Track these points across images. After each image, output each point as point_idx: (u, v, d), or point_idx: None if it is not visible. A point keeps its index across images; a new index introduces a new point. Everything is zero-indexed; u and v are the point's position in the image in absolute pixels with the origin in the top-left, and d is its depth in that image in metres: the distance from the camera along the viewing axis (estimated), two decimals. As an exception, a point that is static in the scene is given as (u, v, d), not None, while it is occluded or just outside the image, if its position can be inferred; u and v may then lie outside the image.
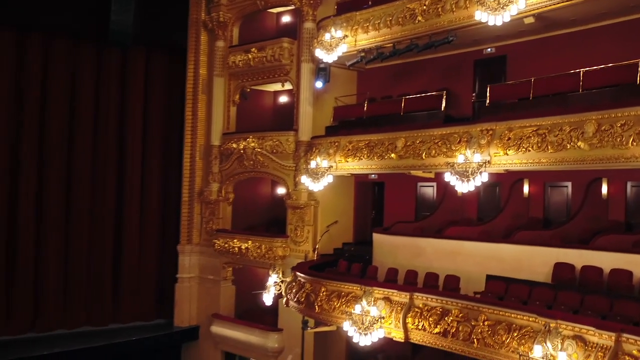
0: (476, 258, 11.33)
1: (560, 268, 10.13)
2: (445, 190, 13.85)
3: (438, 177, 13.80)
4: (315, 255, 15.03)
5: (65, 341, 16.06)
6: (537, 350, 7.69)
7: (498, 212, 12.87)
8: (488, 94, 12.16)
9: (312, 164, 13.72)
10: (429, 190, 14.87)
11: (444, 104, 13.21)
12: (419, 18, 12.43)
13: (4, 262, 16.54)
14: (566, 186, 12.29)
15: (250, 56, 16.86)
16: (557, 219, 12.22)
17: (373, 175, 15.47)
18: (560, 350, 7.52)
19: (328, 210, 15.59)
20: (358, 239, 15.93)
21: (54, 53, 17.21)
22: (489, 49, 13.44)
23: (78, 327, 17.22)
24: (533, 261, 10.53)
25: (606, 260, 9.70)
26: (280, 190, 17.52)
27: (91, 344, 15.88)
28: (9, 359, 14.43)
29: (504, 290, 10.08)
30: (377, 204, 16.16)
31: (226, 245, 16.86)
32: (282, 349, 15.69)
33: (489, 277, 10.55)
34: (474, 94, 13.80)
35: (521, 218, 12.59)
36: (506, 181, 12.95)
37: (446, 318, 9.72)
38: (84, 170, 17.71)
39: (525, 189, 12.73)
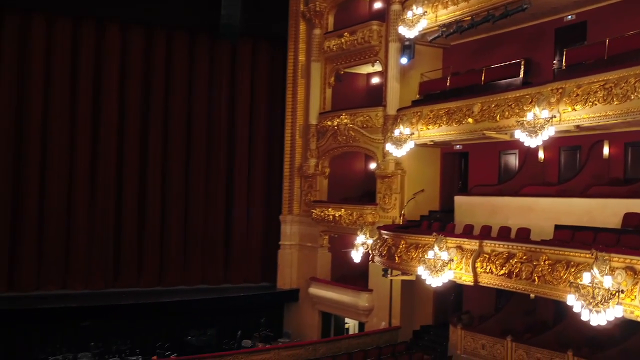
0: (549, 213, 11.86)
1: (630, 217, 10.46)
2: (526, 156, 14.35)
3: (519, 145, 14.27)
4: (402, 220, 16.11)
5: (185, 294, 18.66)
6: (586, 277, 8.32)
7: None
8: (564, 58, 12.57)
9: (396, 132, 14.85)
10: (512, 159, 15.35)
11: (522, 72, 13.78)
12: (495, -12, 13.13)
13: (135, 229, 19.48)
14: (647, 145, 12.36)
15: (343, 40, 18.35)
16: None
17: (458, 146, 16.32)
18: (606, 275, 8.10)
19: (415, 180, 16.60)
20: (444, 207, 16.72)
21: (175, 48, 19.98)
22: (569, 17, 13.76)
23: (195, 285, 19.77)
24: (603, 213, 10.92)
25: (675, 208, 9.93)
26: (373, 166, 18.77)
27: (206, 296, 18.29)
28: (140, 303, 17.20)
29: (570, 237, 10.61)
30: (462, 173, 16.88)
31: (322, 214, 18.46)
32: (372, 307, 16.94)
33: (557, 227, 11.10)
34: (554, 62, 14.16)
35: (601, 178, 12.80)
36: (586, 144, 13.21)
37: (511, 260, 10.49)
38: (200, 150, 20.34)
39: (605, 150, 12.92)
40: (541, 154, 14.10)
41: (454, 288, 16.45)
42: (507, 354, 12.54)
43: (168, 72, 19.86)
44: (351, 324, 18.76)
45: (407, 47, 16.02)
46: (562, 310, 12.50)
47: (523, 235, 11.61)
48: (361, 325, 17.74)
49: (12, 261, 17.77)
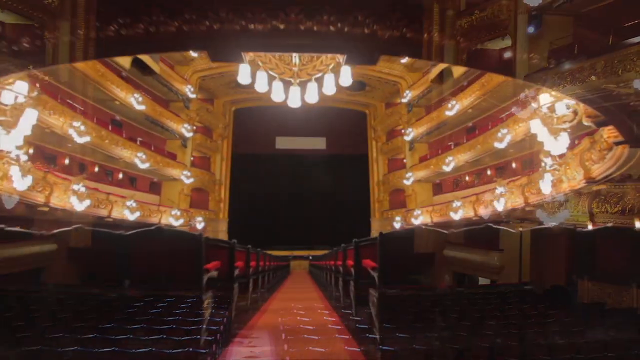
0: (673, 160, 12.18)
1: None
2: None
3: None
4: (531, 182, 16.94)
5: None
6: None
7: None
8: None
9: (521, 96, 15.78)
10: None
11: (651, 28, 14.01)
12: (618, -53, 13.61)
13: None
14: None
15: (473, 17, 19.39)
16: None
17: (588, 110, 16.69)
18: None
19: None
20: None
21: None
22: None
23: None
24: None
25: None
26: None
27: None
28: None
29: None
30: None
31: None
32: (503, 266, 17.91)
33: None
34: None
35: None
36: None
37: (625, 199, 11.18)
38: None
39: None
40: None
41: (589, 251, 16.92)
42: (633, 300, 13.01)
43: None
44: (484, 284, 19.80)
45: (535, 17, 16.80)
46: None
47: (644, 180, 12.10)
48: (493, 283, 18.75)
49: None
